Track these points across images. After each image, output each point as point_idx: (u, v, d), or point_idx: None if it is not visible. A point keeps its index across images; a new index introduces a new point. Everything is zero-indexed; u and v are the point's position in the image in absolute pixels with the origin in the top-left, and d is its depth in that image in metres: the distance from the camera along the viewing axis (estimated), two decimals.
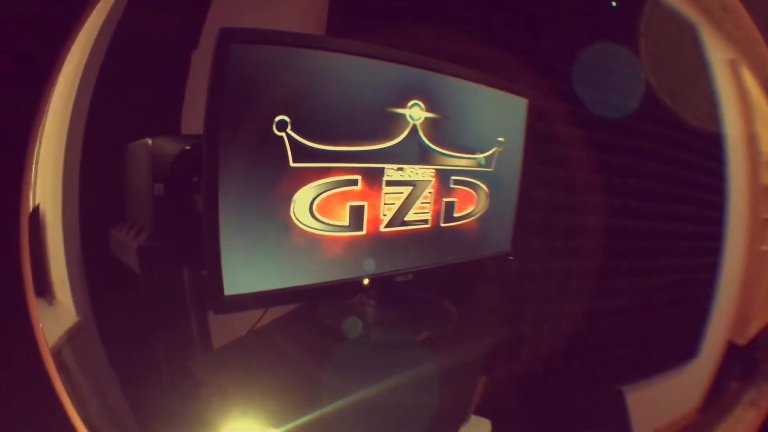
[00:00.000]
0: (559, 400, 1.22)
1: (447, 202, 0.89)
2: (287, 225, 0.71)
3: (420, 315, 0.92)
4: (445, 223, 0.89)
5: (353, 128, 0.76)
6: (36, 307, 0.68)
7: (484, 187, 0.94)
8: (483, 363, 1.05)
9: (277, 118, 0.69)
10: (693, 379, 2.17)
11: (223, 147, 0.66)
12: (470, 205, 0.93)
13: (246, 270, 0.71)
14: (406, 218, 0.83)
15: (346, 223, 0.76)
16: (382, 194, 0.79)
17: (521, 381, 1.38)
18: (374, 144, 0.78)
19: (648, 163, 1.75)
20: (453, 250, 0.94)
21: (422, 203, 0.85)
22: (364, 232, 0.78)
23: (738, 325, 2.15)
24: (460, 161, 0.89)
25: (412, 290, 0.91)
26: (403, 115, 0.80)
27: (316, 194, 0.73)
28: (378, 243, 0.81)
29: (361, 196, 0.77)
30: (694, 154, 2.07)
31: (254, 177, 0.69)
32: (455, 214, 0.91)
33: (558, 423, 1.13)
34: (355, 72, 0.76)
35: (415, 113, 0.81)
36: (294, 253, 0.74)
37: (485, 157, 0.93)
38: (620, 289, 1.77)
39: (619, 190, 1.63)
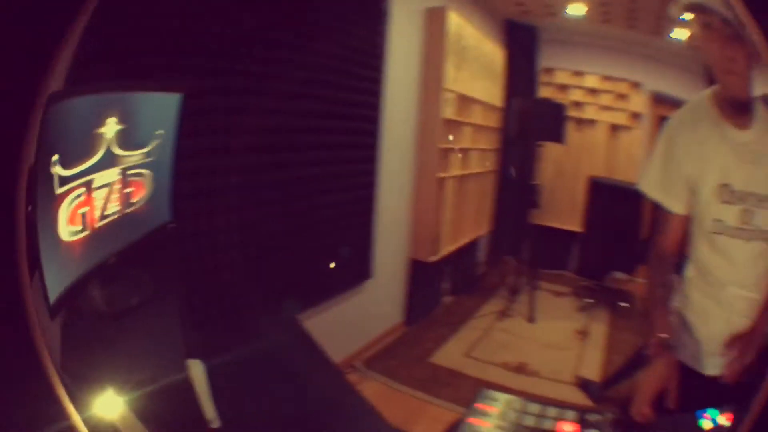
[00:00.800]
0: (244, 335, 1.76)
1: (127, 193, 1.28)
2: (58, 238, 1.09)
3: (129, 286, 1.31)
4: (128, 209, 1.29)
5: (78, 153, 1.13)
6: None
7: (150, 173, 1.35)
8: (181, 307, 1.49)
9: (53, 158, 1.05)
10: (378, 296, 2.97)
11: (38, 185, 1.01)
12: (142, 191, 1.33)
13: (51, 280, 1.06)
14: (106, 213, 1.21)
15: (80, 227, 1.14)
16: (93, 198, 1.17)
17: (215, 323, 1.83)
18: (89, 161, 1.16)
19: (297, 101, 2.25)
20: (137, 229, 1.35)
21: (115, 198, 1.24)
22: (88, 231, 1.16)
23: (422, 245, 3.01)
24: (134, 158, 1.29)
25: (123, 269, 1.29)
26: (101, 134, 1.17)
27: (65, 210, 1.09)
28: (96, 236, 1.18)
29: (84, 203, 1.14)
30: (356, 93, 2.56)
31: (47, 206, 1.05)
32: (133, 200, 1.31)
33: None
34: (82, 107, 1.13)
35: (109, 129, 1.18)
36: (64, 258, 1.11)
37: (149, 150, 1.34)
38: (281, 220, 2.21)
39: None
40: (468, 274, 5.05)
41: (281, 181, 2.39)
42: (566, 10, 4.77)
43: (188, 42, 1.72)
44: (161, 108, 1.44)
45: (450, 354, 3.77)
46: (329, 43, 2.60)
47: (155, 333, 1.39)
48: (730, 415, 1.62)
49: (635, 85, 5.15)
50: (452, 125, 4.05)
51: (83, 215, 1.18)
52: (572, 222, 5.17)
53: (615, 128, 5.49)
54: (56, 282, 1.09)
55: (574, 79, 5.48)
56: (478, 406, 1.43)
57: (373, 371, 3.19)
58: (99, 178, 1.21)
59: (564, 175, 5.54)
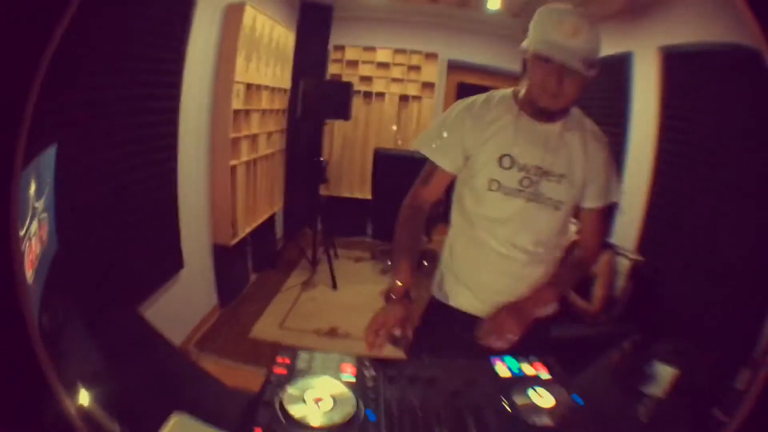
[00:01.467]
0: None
1: (41, 235, 1.61)
2: (28, 283, 1.38)
3: (54, 308, 1.62)
4: (43, 247, 1.62)
5: (23, 215, 1.43)
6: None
7: (46, 214, 1.66)
8: None
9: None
10: (192, 284, 3.45)
11: None
12: (45, 229, 1.65)
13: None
14: (37, 254, 1.55)
15: (32, 271, 1.48)
16: (33, 246, 1.50)
17: None
18: (27, 219, 1.48)
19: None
20: (46, 260, 1.68)
21: (38, 241, 1.57)
22: (35, 272, 1.50)
23: (222, 230, 3.54)
24: (41, 206, 1.60)
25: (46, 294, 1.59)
26: (29, 194, 1.48)
27: (26, 262, 1.39)
28: (37, 274, 1.52)
29: (30, 252, 1.49)
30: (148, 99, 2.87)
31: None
32: (44, 239, 1.64)
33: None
34: (25, 177, 1.41)
35: (32, 189, 1.50)
36: (33, 298, 1.41)
37: (46, 195, 1.64)
38: None
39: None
40: (269, 251, 5.37)
41: (95, 187, 2.63)
42: None
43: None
44: (50, 158, 1.72)
45: (266, 327, 4.17)
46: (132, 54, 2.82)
47: (83, 341, 1.75)
48: (540, 365, 1.77)
49: (431, 56, 5.57)
50: (241, 115, 4.36)
51: (31, 261, 1.48)
52: (364, 191, 5.64)
53: (405, 99, 5.87)
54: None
55: (365, 54, 5.80)
56: (279, 359, 1.68)
57: (205, 352, 3.59)
58: (32, 229, 1.50)
59: (353, 147, 5.89)
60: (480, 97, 2.07)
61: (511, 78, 6.20)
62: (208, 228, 4.13)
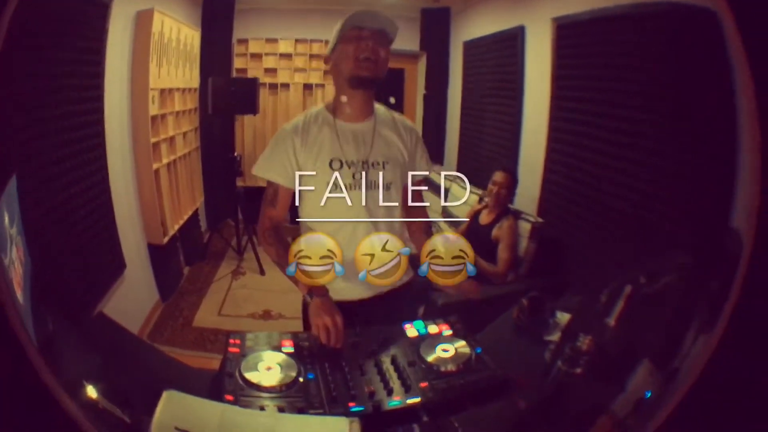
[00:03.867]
0: None
1: (19, 257, 1.77)
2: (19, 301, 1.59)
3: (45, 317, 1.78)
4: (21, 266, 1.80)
5: (3, 244, 1.60)
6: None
7: (19, 237, 1.83)
8: None
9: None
10: (135, 283, 3.58)
11: None
12: (20, 250, 1.81)
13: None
14: (20, 274, 1.73)
15: (20, 291, 1.65)
16: (16, 269, 1.67)
17: None
18: (7, 247, 1.64)
19: None
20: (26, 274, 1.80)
21: (19, 263, 1.79)
22: (22, 294, 1.65)
23: (154, 231, 3.71)
24: (14, 232, 1.75)
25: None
26: (5, 226, 1.63)
27: (14, 282, 1.59)
28: (24, 292, 1.67)
29: (16, 274, 1.67)
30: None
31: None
32: (21, 259, 1.79)
33: None
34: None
35: (7, 220, 1.67)
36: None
37: (17, 221, 1.81)
38: None
39: None
40: (197, 244, 5.49)
41: (46, 202, 2.67)
42: None
43: None
44: (13, 187, 1.84)
45: (206, 317, 4.33)
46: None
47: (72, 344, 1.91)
48: (446, 326, 2.19)
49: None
50: (158, 119, 4.42)
51: (18, 283, 1.66)
52: None
53: (309, 88, 6.11)
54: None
55: (268, 46, 5.96)
56: (232, 341, 2.05)
57: (157, 344, 3.75)
58: (12, 254, 1.68)
59: (264, 138, 6.01)
60: (300, 119, 2.47)
61: (411, 57, 6.34)
62: (141, 229, 4.22)
